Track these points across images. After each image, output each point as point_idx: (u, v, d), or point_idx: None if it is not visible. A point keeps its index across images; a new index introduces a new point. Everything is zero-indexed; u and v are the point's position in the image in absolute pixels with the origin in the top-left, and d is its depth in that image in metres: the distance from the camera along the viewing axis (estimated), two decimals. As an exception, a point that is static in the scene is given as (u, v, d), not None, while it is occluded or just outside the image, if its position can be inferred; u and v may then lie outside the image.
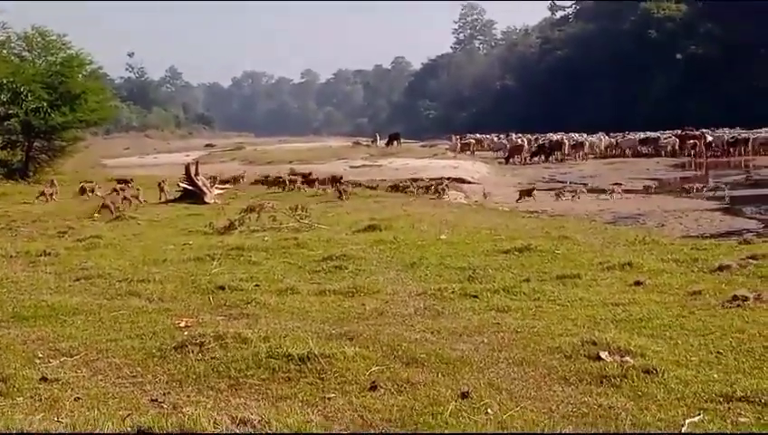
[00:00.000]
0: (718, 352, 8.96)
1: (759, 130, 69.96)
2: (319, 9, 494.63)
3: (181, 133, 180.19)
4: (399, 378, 8.15)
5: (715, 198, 33.84)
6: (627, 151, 69.46)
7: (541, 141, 70.76)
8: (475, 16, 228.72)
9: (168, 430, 6.82)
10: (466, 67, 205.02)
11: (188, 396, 7.87)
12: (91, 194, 34.05)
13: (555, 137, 74.31)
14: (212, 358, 8.89)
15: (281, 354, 8.70)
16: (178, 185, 32.15)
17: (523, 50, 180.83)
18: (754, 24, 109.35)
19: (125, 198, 29.76)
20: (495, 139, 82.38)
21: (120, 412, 7.33)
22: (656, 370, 8.21)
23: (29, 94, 43.94)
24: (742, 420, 7.06)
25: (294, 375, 8.29)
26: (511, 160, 64.48)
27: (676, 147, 66.87)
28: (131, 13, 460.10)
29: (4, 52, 48.73)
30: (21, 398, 7.88)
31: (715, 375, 8.16)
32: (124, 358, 9.12)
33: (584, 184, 38.32)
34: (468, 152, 73.76)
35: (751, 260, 14.45)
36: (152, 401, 7.77)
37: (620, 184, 36.53)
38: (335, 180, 36.24)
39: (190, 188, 31.29)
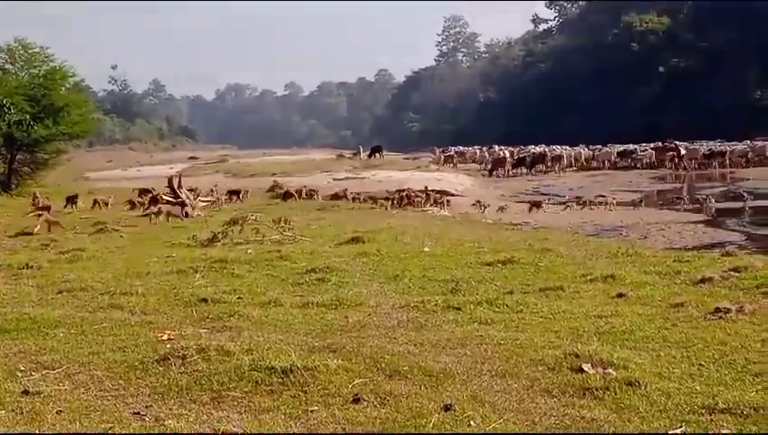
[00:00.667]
0: (700, 365, 8.98)
1: (735, 143, 70.54)
2: (303, 21, 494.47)
3: (165, 146, 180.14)
4: (382, 390, 8.14)
5: (697, 211, 33.94)
6: (605, 164, 69.76)
7: (522, 154, 70.92)
8: (459, 29, 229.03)
9: (150, 443, 6.81)
10: (450, 80, 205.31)
11: (171, 409, 7.85)
12: (105, 207, 34.07)
13: (537, 149, 74.68)
14: (194, 371, 8.86)
15: (264, 367, 8.68)
16: (162, 197, 32.06)
17: (506, 63, 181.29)
18: (736, 36, 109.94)
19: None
20: (478, 151, 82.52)
21: (103, 426, 7.31)
22: (638, 382, 8.22)
23: (12, 107, 43.94)
24: (724, 432, 7.08)
25: (277, 388, 8.28)
26: (494, 173, 64.63)
27: (653, 159, 67.27)
28: (114, 25, 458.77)
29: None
30: (3, 411, 7.86)
31: (698, 387, 8.18)
32: (106, 371, 9.09)
33: (579, 197, 38.24)
34: (451, 165, 73.89)
35: (733, 272, 14.48)
36: (134, 414, 7.75)
37: (604, 196, 36.63)
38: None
39: (173, 200, 31.24)
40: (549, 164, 68.43)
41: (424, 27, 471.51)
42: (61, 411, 7.82)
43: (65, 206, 34.15)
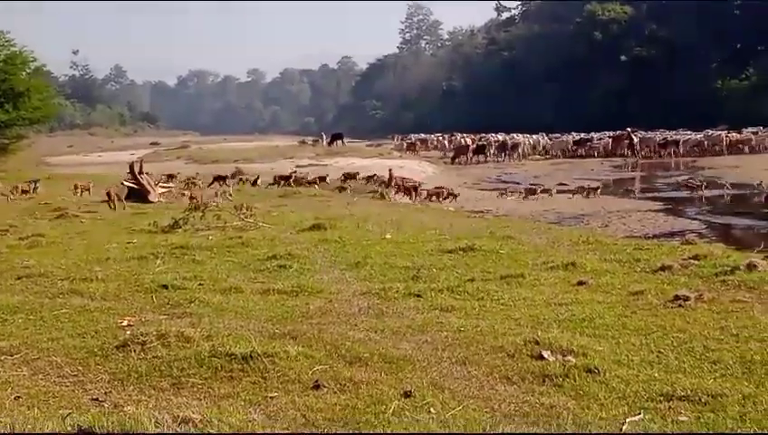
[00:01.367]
0: (659, 352, 9.01)
1: (688, 133, 71.34)
2: (266, 7, 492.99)
3: (126, 132, 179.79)
4: (342, 377, 8.13)
5: (658, 199, 34.12)
6: (561, 153, 70.11)
7: (481, 142, 71.07)
8: (422, 17, 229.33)
9: (109, 430, 6.74)
10: (413, 67, 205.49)
11: (130, 395, 7.80)
12: (87, 193, 33.75)
13: (498, 137, 74.88)
14: (154, 357, 8.81)
15: (223, 353, 8.64)
16: (122, 183, 31.88)
17: (469, 51, 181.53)
18: (697, 25, 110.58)
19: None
20: (438, 139, 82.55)
21: (61, 411, 7.25)
22: (597, 369, 8.25)
23: (-29, 92, 43.61)
24: (682, 418, 7.10)
25: (237, 374, 8.25)
26: (456, 160, 64.70)
27: (609, 148, 67.80)
28: (76, 10, 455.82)
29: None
30: (-40, 397, 7.80)
31: (657, 374, 8.21)
32: (65, 357, 9.04)
33: (560, 184, 38.26)
34: (414, 152, 73.93)
35: (693, 260, 14.55)
36: (93, 400, 7.71)
37: (566, 184, 36.71)
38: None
39: (135, 186, 31.10)
40: (508, 152, 68.69)
41: (387, 14, 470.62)
42: (18, 397, 7.77)
43: (25, 192, 33.84)
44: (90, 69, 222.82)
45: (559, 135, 76.51)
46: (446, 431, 6.90)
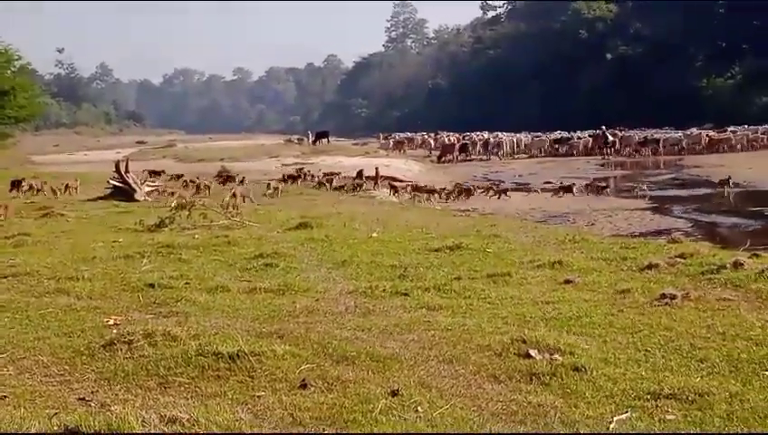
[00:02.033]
0: (646, 350, 9.04)
1: (668, 131, 71.96)
2: (253, 6, 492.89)
3: (112, 130, 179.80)
4: (329, 376, 8.14)
5: (646, 198, 34.17)
6: (540, 151, 70.37)
7: (465, 141, 71.21)
8: (408, 15, 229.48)
9: (95, 429, 6.73)
10: (398, 66, 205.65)
11: (117, 395, 7.80)
12: (75, 191, 33.50)
13: (482, 135, 75.13)
14: (141, 356, 8.81)
15: (210, 352, 8.64)
16: (108, 182, 31.80)
17: (455, 49, 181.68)
18: (683, 23, 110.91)
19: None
20: (423, 138, 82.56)
21: (47, 411, 7.23)
22: (585, 367, 8.27)
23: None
24: (669, 417, 7.12)
25: (224, 373, 8.25)
26: (443, 159, 64.74)
27: (589, 146, 68.19)
28: (61, 9, 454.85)
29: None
30: (-55, 396, 7.78)
31: (643, 373, 8.23)
32: (52, 356, 9.02)
33: (549, 183, 38.14)
34: (401, 151, 73.93)
35: (679, 259, 14.61)
36: (80, 399, 7.70)
37: (552, 182, 36.72)
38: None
39: (121, 185, 31.04)
40: (491, 150, 68.91)
41: (373, 13, 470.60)
42: (5, 397, 7.76)
43: (10, 190, 33.66)
44: (75, 67, 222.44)
45: (540, 134, 76.58)
46: (434, 431, 6.91)
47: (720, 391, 7.65)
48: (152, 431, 6.79)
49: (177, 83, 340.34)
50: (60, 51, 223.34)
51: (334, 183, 37.23)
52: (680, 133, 71.49)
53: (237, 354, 8.54)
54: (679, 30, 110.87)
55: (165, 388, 7.97)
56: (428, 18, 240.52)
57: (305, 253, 16.46)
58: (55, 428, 6.80)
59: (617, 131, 72.50)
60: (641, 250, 16.26)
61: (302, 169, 42.46)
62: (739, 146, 65.69)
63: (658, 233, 22.95)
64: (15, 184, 33.84)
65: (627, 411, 7.24)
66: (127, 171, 31.67)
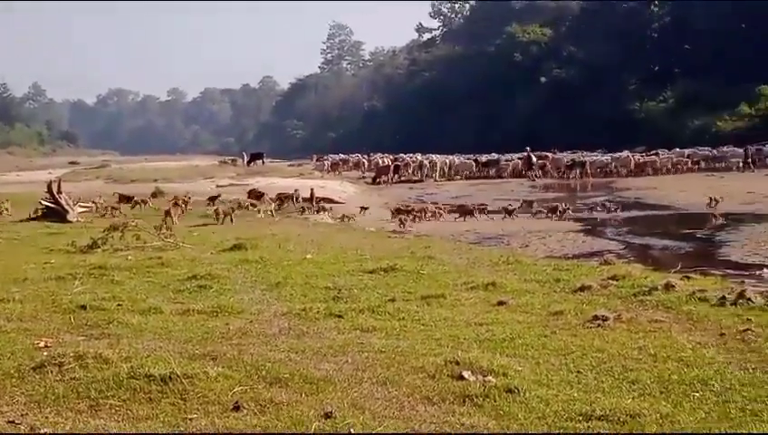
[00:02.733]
0: (579, 372, 9.11)
1: (596, 154, 73.10)
2: (188, 26, 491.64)
3: (45, 151, 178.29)
4: (263, 398, 8.12)
5: (578, 220, 34.39)
6: (467, 174, 70.89)
7: (397, 162, 71.62)
8: (343, 37, 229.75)
9: (25, 453, 6.68)
10: (334, 88, 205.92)
11: (47, 417, 7.73)
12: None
13: (415, 157, 75.52)
14: (72, 378, 8.73)
15: (142, 375, 8.58)
16: (41, 203, 31.48)
17: (391, 71, 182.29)
18: (616, 47, 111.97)
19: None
20: (361, 159, 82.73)
21: (-25, 435, 7.16)
22: (517, 389, 8.31)
23: None
24: (600, 439, 7.18)
25: (156, 396, 8.20)
26: (378, 180, 64.85)
27: (519, 169, 69.07)
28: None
29: None
30: None
31: (576, 394, 8.30)
32: (-19, 379, 8.92)
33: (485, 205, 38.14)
34: (336, 172, 73.96)
35: (611, 281, 14.76)
36: (9, 422, 7.62)
37: (486, 205, 36.78)
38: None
39: (53, 206, 30.76)
40: (426, 172, 69.33)
41: (309, 35, 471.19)
42: (-67, 420, 7.66)
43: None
44: (8, 87, 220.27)
45: (469, 156, 77.04)
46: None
47: (651, 412, 7.73)
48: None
49: (111, 103, 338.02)
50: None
51: (285, 206, 37.00)
52: (608, 156, 72.85)
53: (169, 377, 8.49)
54: (613, 54, 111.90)
55: (96, 411, 7.90)
56: (364, 40, 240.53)
57: (239, 274, 16.39)
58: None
59: (546, 154, 73.54)
60: (574, 272, 16.40)
61: (296, 190, 41.98)
62: (665, 169, 67.84)
63: (591, 255, 23.08)
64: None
65: (558, 433, 7.29)
66: (59, 192, 31.38)
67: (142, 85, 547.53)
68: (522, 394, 8.22)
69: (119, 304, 13.11)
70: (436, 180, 67.10)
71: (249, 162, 79.35)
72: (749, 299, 12.55)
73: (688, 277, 15.39)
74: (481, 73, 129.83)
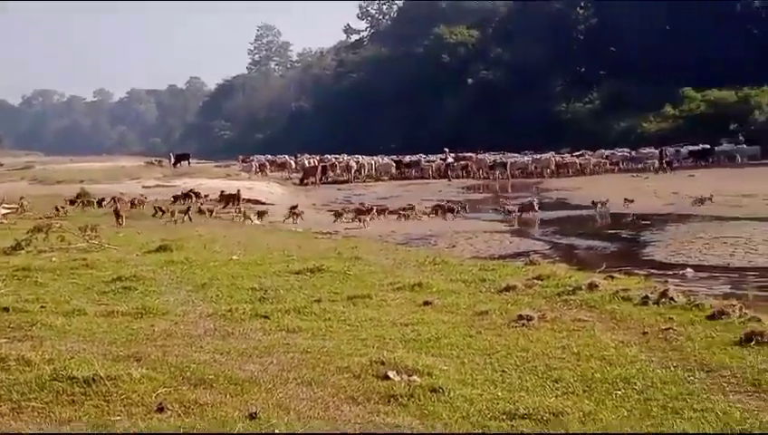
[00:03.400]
0: (503, 371, 9.18)
1: (515, 155, 76.12)
2: (114, 26, 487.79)
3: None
4: (187, 399, 8.08)
5: (505, 220, 34.60)
6: (388, 175, 71.39)
7: (323, 163, 71.97)
8: (271, 38, 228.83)
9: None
10: (262, 89, 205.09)
11: (-33, 421, 7.64)
12: None
13: (341, 158, 75.84)
14: (-7, 381, 8.64)
15: (65, 377, 8.50)
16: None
17: (319, 72, 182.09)
18: (543, 49, 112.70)
19: None
20: (287, 160, 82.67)
21: None
22: (442, 389, 8.35)
23: None
24: (524, 436, 7.24)
25: (79, 398, 8.13)
26: (305, 181, 64.81)
27: (441, 169, 69.90)
28: None
29: None
30: None
31: (500, 393, 8.36)
32: None
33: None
34: (263, 173, 73.79)
35: (536, 281, 14.90)
36: (-71, 426, 7.53)
37: (413, 205, 36.88)
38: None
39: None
40: (354, 173, 69.66)
41: (237, 36, 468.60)
42: None
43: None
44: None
45: (394, 157, 77.45)
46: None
47: (574, 410, 7.81)
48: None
49: (36, 104, 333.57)
50: None
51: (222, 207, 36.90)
52: (528, 158, 74.74)
53: (93, 378, 8.42)
54: (539, 55, 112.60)
55: (18, 413, 7.81)
56: (292, 41, 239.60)
57: (164, 276, 16.30)
58: None
59: (470, 154, 75.33)
60: (500, 272, 16.53)
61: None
62: (587, 170, 69.75)
63: (517, 255, 23.26)
64: None
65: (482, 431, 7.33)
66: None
67: (68, 86, 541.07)
68: (446, 394, 8.26)
69: (42, 306, 12.97)
70: (363, 181, 67.27)
71: (175, 163, 78.82)
72: (671, 298, 12.73)
73: (612, 277, 15.57)
74: (408, 75, 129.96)
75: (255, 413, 7.66)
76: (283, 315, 12.22)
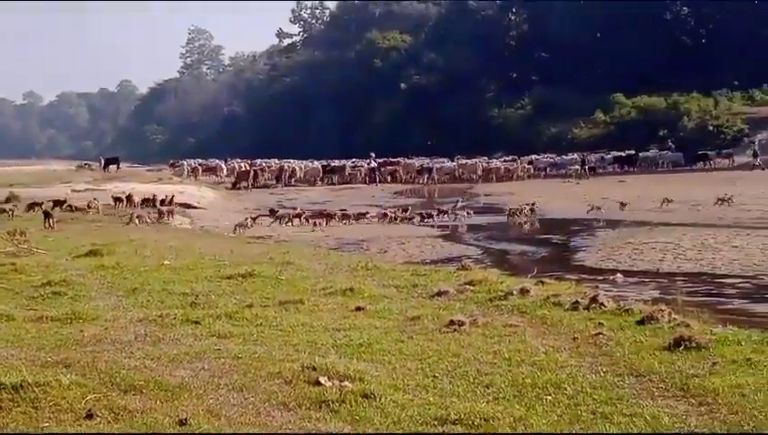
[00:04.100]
0: (434, 376, 9.19)
1: (442, 160, 77.67)
2: (43, 26, 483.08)
3: None
4: (116, 406, 8.02)
5: (437, 226, 34.68)
6: (315, 181, 71.83)
7: (254, 167, 72.13)
8: (203, 41, 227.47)
9: None
10: (194, 92, 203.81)
11: None
12: None
13: (271, 163, 76.17)
14: None
15: (-7, 384, 8.41)
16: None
17: (251, 76, 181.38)
18: (475, 54, 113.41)
19: None
20: (219, 164, 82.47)
21: None
22: (374, 394, 8.35)
23: None
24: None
25: (6, 405, 8.04)
26: (237, 186, 64.62)
27: (365, 175, 71.54)
28: None
29: None
30: None
31: (431, 398, 8.37)
32: None
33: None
34: (195, 177, 73.48)
35: (468, 286, 14.95)
36: None
37: (346, 209, 36.90)
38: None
39: None
40: (286, 178, 69.82)
41: (168, 39, 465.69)
42: None
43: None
44: None
45: (323, 162, 77.73)
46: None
47: (505, 415, 7.84)
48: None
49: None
50: None
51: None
52: (454, 163, 76.18)
53: (21, 385, 8.33)
54: (471, 60, 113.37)
55: (-57, 421, 7.72)
56: (224, 45, 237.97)
57: (95, 281, 16.18)
58: None
59: (398, 159, 76.64)
60: (432, 277, 16.57)
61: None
62: (515, 175, 71.12)
63: (449, 260, 23.33)
64: None
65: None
66: None
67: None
68: (378, 399, 8.26)
69: (-31, 312, 12.83)
70: (294, 186, 67.30)
71: (105, 167, 78.21)
72: (601, 304, 12.83)
73: (543, 282, 15.65)
74: (342, 79, 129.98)
75: (186, 419, 7.63)
76: (214, 321, 12.16)
